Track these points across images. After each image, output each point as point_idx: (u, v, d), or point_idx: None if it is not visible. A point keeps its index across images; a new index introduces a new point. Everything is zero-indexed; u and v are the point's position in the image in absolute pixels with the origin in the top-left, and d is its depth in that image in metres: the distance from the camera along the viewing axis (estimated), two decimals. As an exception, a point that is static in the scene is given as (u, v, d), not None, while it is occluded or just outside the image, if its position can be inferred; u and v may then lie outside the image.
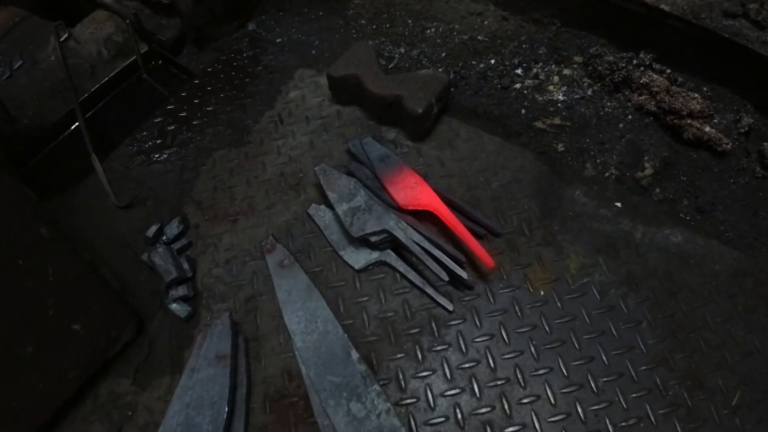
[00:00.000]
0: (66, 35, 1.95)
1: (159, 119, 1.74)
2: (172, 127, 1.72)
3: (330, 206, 1.41)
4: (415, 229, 1.32)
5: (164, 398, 1.20)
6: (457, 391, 1.18)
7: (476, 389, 1.18)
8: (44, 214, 1.11)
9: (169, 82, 1.95)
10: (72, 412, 1.22)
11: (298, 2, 2.05)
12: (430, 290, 1.29)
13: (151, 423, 1.18)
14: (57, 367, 1.16)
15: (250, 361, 1.22)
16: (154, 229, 1.43)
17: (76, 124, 1.80)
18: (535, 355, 1.22)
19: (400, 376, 1.20)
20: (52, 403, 1.18)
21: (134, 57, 1.91)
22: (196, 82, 1.84)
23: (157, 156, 1.65)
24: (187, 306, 1.30)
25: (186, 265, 1.35)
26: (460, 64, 1.75)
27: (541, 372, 1.20)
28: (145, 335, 1.30)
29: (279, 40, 1.95)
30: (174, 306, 1.29)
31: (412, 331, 1.26)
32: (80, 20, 2.04)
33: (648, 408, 1.14)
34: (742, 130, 1.52)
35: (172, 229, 1.44)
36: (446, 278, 1.27)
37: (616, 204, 1.43)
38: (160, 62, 2.01)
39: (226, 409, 1.08)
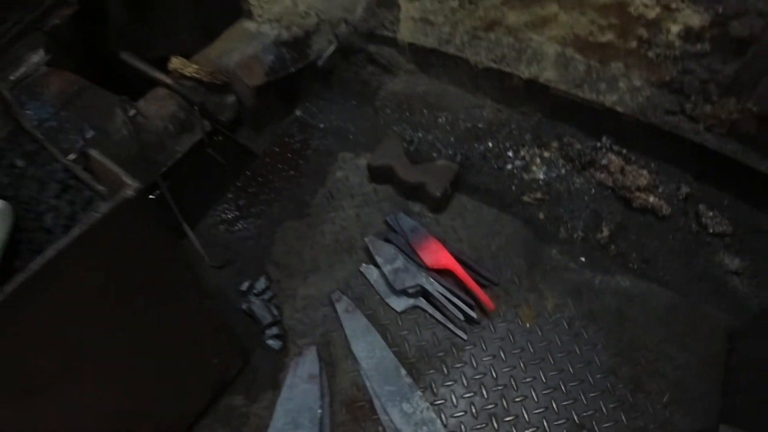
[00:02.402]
0: (134, 111, 1.91)
1: (231, 195, 2.03)
2: (244, 202, 2.00)
3: (377, 266, 1.75)
4: (439, 282, 1.70)
5: (269, 408, 1.48)
6: (471, 394, 1.51)
7: (484, 393, 1.51)
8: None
9: (230, 157, 2.13)
10: (199, 423, 1.46)
11: (335, 92, 2.27)
12: (450, 325, 1.62)
13: (262, 426, 1.46)
14: (197, 390, 1.42)
15: (329, 378, 1.56)
16: (245, 284, 1.78)
17: (152, 195, 1.87)
18: (523, 368, 1.54)
19: (433, 385, 1.53)
20: (189, 416, 1.43)
21: (200, 136, 2.02)
22: (258, 162, 2.12)
23: (237, 226, 1.95)
24: (279, 341, 1.61)
25: (275, 311, 1.73)
26: (465, 147, 2.04)
27: (527, 380, 1.52)
28: (251, 364, 1.58)
29: (322, 125, 2.17)
30: (270, 342, 1.65)
31: (439, 354, 1.58)
32: (126, 92, 1.94)
33: (601, 404, 1.46)
34: (681, 197, 1.78)
35: (260, 284, 1.79)
36: (461, 317, 1.63)
37: (581, 258, 1.74)
38: (220, 138, 2.13)
39: (319, 412, 1.44)
